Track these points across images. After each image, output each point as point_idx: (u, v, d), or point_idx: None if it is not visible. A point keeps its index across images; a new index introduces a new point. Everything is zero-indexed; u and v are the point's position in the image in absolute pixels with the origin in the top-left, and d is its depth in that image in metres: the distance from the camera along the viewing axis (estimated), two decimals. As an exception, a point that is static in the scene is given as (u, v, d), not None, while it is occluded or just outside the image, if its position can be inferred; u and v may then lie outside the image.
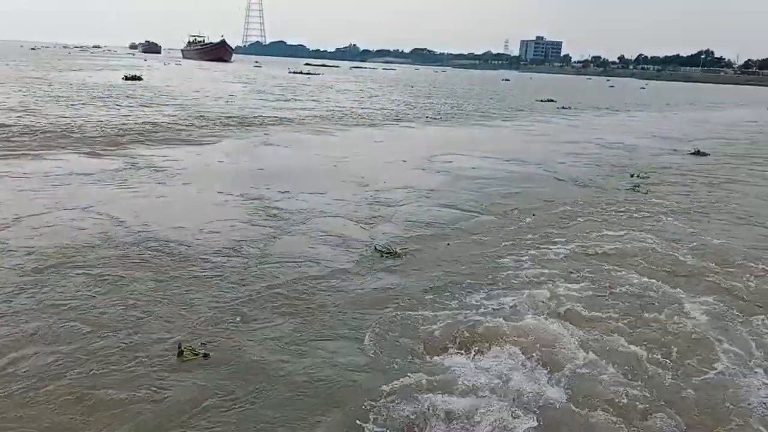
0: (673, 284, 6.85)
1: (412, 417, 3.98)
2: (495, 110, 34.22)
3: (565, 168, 15.15)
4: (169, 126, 18.68)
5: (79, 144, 14.55)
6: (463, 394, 4.24)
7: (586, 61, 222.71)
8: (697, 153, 18.35)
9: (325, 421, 4.09)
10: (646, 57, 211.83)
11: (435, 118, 27.65)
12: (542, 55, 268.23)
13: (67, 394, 4.20)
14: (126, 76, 38.80)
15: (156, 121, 19.63)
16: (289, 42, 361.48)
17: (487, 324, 5.37)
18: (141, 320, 5.35)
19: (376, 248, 7.51)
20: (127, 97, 27.83)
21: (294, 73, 75.23)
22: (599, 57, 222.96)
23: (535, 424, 4.01)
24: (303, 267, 6.88)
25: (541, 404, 4.23)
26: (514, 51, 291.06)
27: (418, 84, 69.61)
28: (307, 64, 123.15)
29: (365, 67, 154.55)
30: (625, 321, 5.80)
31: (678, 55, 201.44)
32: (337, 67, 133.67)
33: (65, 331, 5.06)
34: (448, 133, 22.77)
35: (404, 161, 14.85)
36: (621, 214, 10.42)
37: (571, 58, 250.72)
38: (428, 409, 4.04)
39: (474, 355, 4.84)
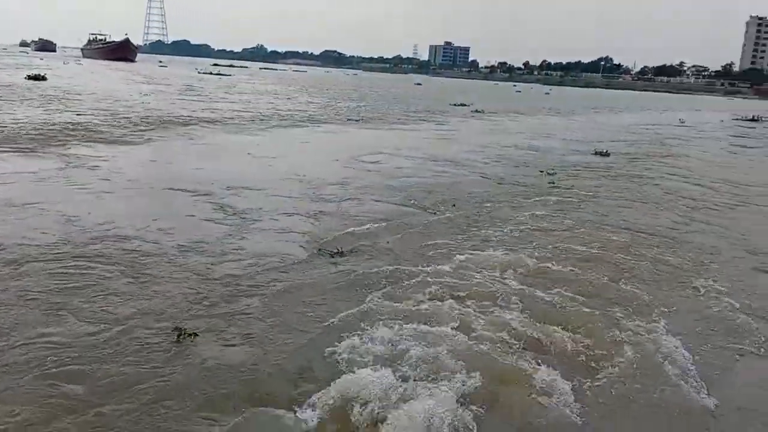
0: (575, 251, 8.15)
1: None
2: (412, 113, 35.60)
3: (484, 166, 16.51)
4: (90, 126, 18.66)
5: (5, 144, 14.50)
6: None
7: (493, 66, 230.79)
8: (600, 154, 20.24)
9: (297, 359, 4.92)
10: (549, 63, 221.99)
11: (356, 120, 28.63)
12: (451, 60, 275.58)
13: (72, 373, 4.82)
14: (29, 76, 37.43)
15: (76, 121, 19.55)
16: (193, 41, 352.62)
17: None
18: (130, 309, 5.98)
19: (319, 250, 7.93)
20: (41, 97, 27.18)
21: (204, 73, 74.29)
22: (505, 63, 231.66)
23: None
24: (262, 261, 7.56)
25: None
26: (424, 56, 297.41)
27: (333, 86, 70.49)
28: (215, 64, 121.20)
29: (275, 69, 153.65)
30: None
31: (579, 62, 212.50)
32: (246, 68, 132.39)
33: (55, 321, 5.62)
34: (371, 134, 23.78)
35: (336, 160, 15.71)
36: (537, 202, 11.77)
37: (478, 63, 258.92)
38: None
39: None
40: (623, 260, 8.44)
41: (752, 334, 6.22)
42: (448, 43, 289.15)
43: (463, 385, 4.63)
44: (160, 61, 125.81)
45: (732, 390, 5.13)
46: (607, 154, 20.28)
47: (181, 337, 5.20)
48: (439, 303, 6.26)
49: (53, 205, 9.35)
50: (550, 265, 7.86)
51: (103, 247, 7.49)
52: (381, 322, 5.66)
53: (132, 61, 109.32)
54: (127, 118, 21.63)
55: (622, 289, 7.26)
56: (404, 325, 5.59)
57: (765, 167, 21.26)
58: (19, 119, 18.89)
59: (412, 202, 11.38)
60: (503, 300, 6.47)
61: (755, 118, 49.07)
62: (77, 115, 21.43)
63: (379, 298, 6.36)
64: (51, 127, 17.60)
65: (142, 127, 19.54)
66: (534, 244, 8.90)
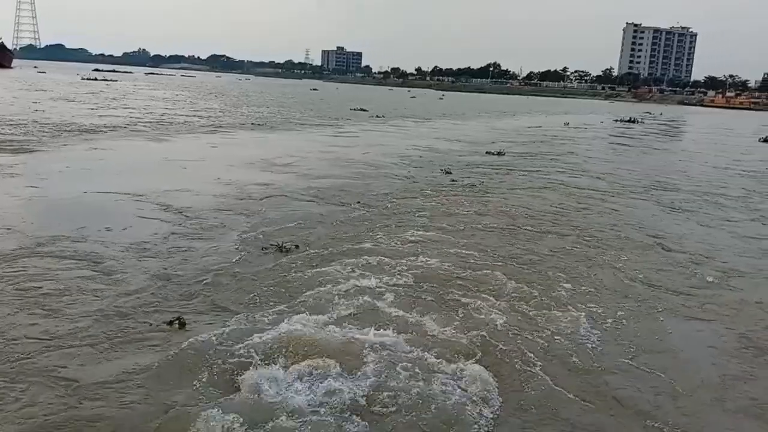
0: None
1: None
2: (314, 118, 36.90)
3: (391, 166, 18.13)
4: (-6, 135, 18.69)
5: None
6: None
7: (386, 72, 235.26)
8: (496, 153, 22.43)
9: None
10: (441, 69, 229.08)
11: (259, 125, 29.61)
12: (344, 65, 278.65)
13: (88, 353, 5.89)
14: None
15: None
16: (68, 45, 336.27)
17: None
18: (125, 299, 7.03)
19: (271, 245, 8.94)
20: None
21: (88, 79, 72.09)
22: (398, 68, 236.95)
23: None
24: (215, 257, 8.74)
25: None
26: (316, 61, 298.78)
27: (227, 91, 70.45)
28: (96, 69, 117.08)
29: (162, 74, 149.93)
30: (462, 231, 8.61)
31: (470, 68, 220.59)
32: (130, 73, 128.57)
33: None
34: (278, 138, 24.90)
35: (251, 164, 16.81)
36: (440, 194, 13.51)
37: (371, 68, 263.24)
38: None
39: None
40: (521, 231, 10.42)
41: (632, 291, 8.10)
42: (340, 48, 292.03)
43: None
44: (35, 67, 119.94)
45: (616, 330, 6.88)
46: (501, 154, 22.49)
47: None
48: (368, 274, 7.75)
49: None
50: (451, 237, 9.66)
51: (58, 248, 8.33)
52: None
53: (8, 67, 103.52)
54: (27, 127, 21.61)
55: (513, 250, 9.05)
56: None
57: (640, 162, 24.20)
58: None
59: (332, 198, 12.78)
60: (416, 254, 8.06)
61: (632, 119, 54.00)
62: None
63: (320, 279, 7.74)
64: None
65: (47, 137, 19.71)
66: (440, 224, 10.61)
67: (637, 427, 4.89)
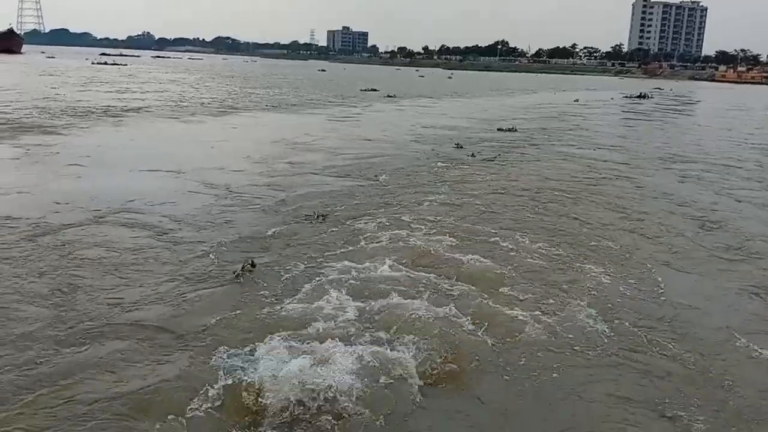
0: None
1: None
2: (327, 99, 37.64)
3: (408, 143, 18.92)
4: (22, 119, 19.55)
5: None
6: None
7: (392, 51, 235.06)
8: (508, 130, 23.16)
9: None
10: (448, 48, 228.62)
11: (274, 106, 30.40)
12: (350, 46, 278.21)
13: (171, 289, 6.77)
14: None
15: (12, 117, 20.25)
16: (72, 29, 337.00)
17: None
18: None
19: (307, 215, 9.79)
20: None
21: (98, 63, 72.88)
22: (405, 48, 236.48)
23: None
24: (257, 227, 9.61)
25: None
26: (321, 41, 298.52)
27: (236, 74, 71.12)
28: (103, 54, 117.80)
29: (169, 57, 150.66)
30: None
31: (477, 46, 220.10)
32: (138, 56, 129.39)
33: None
34: (294, 119, 25.71)
35: (275, 142, 17.64)
36: (460, 167, 14.32)
37: (378, 48, 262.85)
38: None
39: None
40: (538, 197, 11.44)
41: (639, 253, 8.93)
42: (346, 29, 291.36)
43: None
44: (43, 52, 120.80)
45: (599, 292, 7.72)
46: (513, 130, 23.22)
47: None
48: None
49: (37, 186, 10.93)
50: (474, 200, 10.65)
51: (119, 219, 9.24)
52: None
53: (18, 52, 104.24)
54: (51, 112, 22.43)
55: (529, 211, 9.90)
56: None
57: (653, 136, 24.85)
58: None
59: (354, 173, 13.61)
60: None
61: (642, 95, 54.43)
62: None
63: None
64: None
65: (77, 119, 20.57)
66: (460, 191, 11.45)
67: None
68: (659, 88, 75.11)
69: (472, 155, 16.64)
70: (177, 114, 24.14)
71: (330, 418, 4.41)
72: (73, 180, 11.54)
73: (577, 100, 46.91)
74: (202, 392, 4.61)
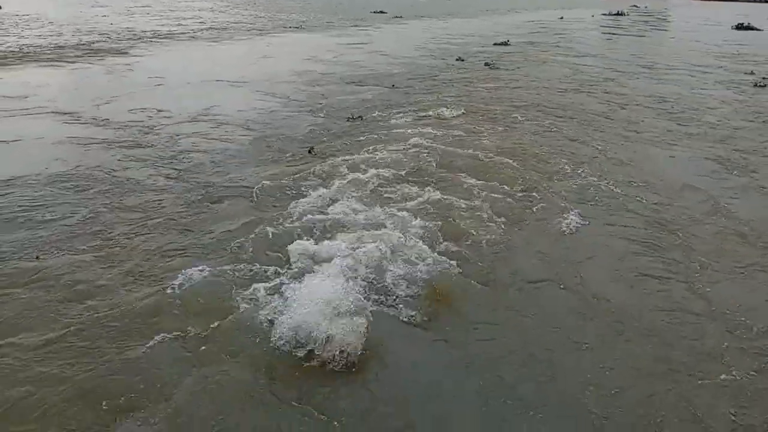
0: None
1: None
2: (342, 21, 37.95)
3: (418, 57, 20.11)
4: (93, 45, 20.67)
5: (39, 59, 16.80)
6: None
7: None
8: (502, 44, 24.11)
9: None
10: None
11: (296, 27, 31.04)
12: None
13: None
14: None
15: (84, 41, 21.32)
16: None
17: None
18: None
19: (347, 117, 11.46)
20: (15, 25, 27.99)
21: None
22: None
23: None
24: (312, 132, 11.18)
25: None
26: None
27: (258, 1, 70.11)
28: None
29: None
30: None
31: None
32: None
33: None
34: (318, 38, 26.59)
35: (306, 59, 18.83)
36: (461, 72, 15.69)
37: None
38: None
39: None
40: (534, 88, 13.14)
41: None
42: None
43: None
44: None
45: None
46: (507, 44, 24.19)
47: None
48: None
49: (130, 97, 12.42)
50: (481, 92, 12.10)
51: (209, 117, 10.81)
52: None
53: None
54: (112, 37, 23.42)
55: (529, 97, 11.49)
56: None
57: (630, 46, 25.74)
58: (26, 43, 20.60)
59: (378, 82, 15.02)
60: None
61: (620, 12, 53.96)
62: (56, 37, 23.06)
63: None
64: (66, 47, 19.63)
65: (132, 42, 21.64)
66: (468, 90, 12.97)
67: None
68: (635, 6, 73.78)
69: (486, 64, 17.97)
70: (214, 36, 25.09)
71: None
72: (159, 90, 12.99)
73: (561, 18, 46.84)
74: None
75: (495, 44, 24.37)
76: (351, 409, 3.80)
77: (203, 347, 4.29)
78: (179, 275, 5.12)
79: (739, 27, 39.39)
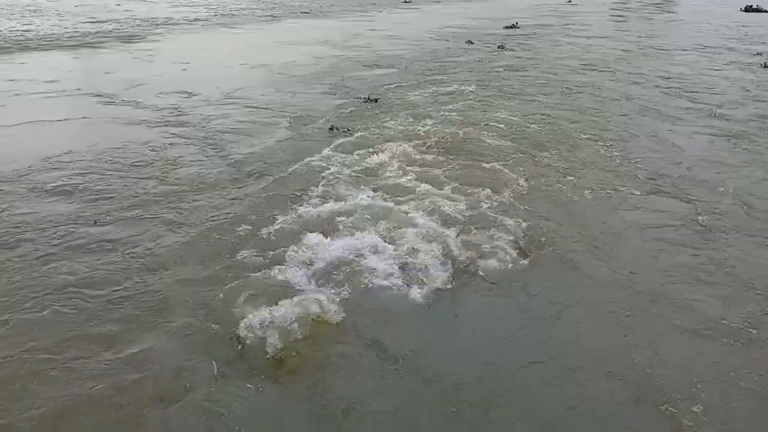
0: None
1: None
2: (354, 7, 38.32)
3: (430, 40, 20.64)
4: (113, 32, 21.24)
5: (61, 47, 17.39)
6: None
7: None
8: (511, 27, 24.51)
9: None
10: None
11: (305, 13, 31.48)
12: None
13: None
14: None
15: (105, 29, 21.88)
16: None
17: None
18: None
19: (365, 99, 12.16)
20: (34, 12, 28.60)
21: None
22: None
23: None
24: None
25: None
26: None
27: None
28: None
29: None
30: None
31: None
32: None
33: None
34: (331, 24, 27.04)
35: (321, 42, 19.37)
36: (466, 53, 16.22)
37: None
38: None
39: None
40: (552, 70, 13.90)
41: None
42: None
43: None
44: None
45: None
46: (517, 27, 24.57)
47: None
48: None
49: (159, 78, 13.01)
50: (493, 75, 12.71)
51: (240, 97, 11.41)
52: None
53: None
54: (129, 23, 24.01)
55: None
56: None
57: (639, 28, 26.09)
58: (46, 32, 21.20)
59: (391, 64, 15.60)
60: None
61: (628, -8, 53.94)
62: (92, 24, 23.62)
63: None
64: (88, 34, 20.20)
65: (149, 28, 22.20)
66: (484, 72, 13.54)
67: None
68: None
69: (500, 46, 18.50)
70: (228, 22, 25.59)
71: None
72: (185, 74, 13.59)
73: (569, 1, 46.96)
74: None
75: (505, 27, 24.78)
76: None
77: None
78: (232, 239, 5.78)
79: (748, 9, 39.53)
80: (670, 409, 3.85)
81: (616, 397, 3.95)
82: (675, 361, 4.30)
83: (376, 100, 11.60)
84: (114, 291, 4.93)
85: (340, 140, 8.80)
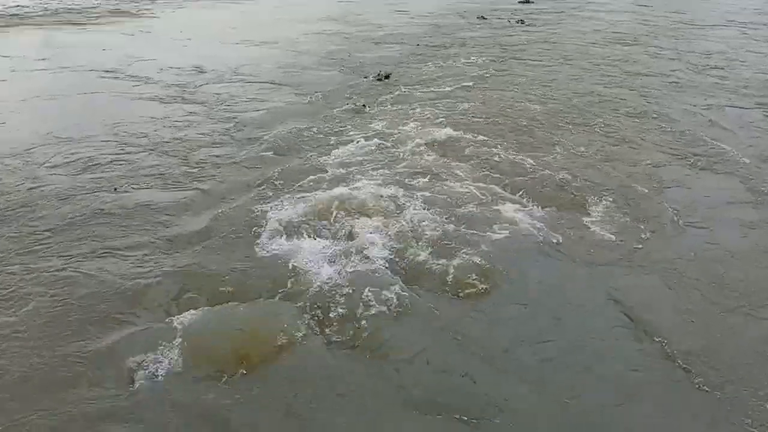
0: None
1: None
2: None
3: (444, 15, 19.84)
4: (108, 7, 20.21)
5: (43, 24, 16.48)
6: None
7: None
8: (524, 2, 23.59)
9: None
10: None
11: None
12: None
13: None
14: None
15: (74, 6, 20.83)
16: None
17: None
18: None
19: (376, 76, 11.45)
20: None
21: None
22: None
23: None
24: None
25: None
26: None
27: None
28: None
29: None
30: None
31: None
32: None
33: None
34: (331, 2, 25.91)
35: (320, 19, 18.53)
36: (480, 28, 15.47)
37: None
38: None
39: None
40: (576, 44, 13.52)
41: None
42: None
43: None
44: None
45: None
46: (531, 1, 23.66)
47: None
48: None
49: (164, 56, 12.27)
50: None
51: (247, 73, 10.65)
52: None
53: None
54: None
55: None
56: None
57: (668, 3, 25.21)
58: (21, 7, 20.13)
59: (401, 40, 14.95)
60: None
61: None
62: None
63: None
64: (73, 11, 19.25)
65: (141, 3, 21.16)
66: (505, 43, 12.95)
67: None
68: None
69: (520, 21, 17.82)
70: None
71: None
72: (187, 51, 12.80)
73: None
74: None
75: (519, 2, 23.87)
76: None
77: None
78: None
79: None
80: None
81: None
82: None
83: (388, 77, 10.98)
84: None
85: (367, 119, 8.18)
